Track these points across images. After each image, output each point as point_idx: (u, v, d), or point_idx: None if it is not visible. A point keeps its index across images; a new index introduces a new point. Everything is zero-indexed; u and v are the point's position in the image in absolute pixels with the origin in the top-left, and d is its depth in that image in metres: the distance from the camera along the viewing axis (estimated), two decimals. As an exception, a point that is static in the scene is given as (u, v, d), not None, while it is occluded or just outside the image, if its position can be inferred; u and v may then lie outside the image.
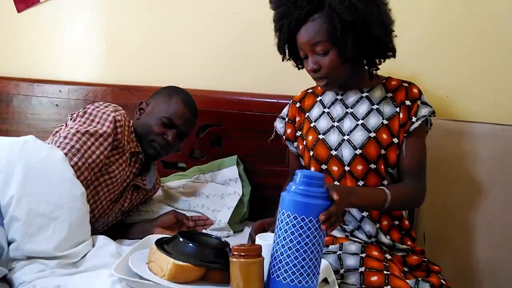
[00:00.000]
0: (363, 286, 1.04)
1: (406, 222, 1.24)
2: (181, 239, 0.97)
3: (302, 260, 0.89)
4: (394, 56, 1.21)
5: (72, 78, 1.98)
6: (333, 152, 1.21)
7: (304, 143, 1.28)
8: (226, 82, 1.76)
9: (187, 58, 1.86)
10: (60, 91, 1.93)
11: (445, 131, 1.46)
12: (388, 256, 1.15)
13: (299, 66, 1.28)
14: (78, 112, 1.28)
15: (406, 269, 1.16)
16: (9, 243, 1.00)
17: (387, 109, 1.21)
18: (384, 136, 1.18)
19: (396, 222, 1.21)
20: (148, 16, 1.90)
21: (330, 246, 1.18)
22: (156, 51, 1.90)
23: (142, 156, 1.38)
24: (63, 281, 0.95)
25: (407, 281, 1.08)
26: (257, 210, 1.63)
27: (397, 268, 1.12)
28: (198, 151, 1.79)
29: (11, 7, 2.06)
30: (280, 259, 0.90)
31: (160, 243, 0.99)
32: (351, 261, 1.10)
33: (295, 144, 1.34)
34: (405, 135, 1.19)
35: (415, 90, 1.21)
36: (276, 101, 1.62)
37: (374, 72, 1.25)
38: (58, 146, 1.16)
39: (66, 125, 1.27)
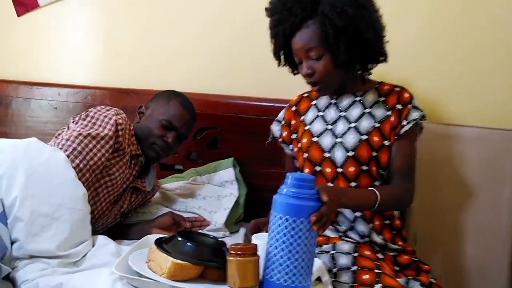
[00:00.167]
0: (355, 284, 1.07)
1: (397, 222, 1.27)
2: (179, 239, 1.00)
3: (295, 261, 0.91)
4: (385, 60, 1.25)
5: (71, 81, 2.00)
6: (326, 154, 1.24)
7: (299, 145, 1.32)
8: (223, 86, 1.79)
9: (185, 62, 1.88)
10: (59, 94, 1.95)
11: (435, 135, 1.49)
12: (380, 256, 1.18)
13: (295, 72, 1.32)
14: (80, 115, 1.30)
15: (397, 268, 1.19)
16: (12, 243, 1.03)
17: (379, 112, 1.24)
18: (376, 138, 1.22)
19: (387, 222, 1.24)
20: (146, 20, 1.93)
21: (324, 245, 1.21)
22: (154, 55, 1.92)
23: (142, 158, 1.40)
24: (65, 279, 0.97)
25: (398, 279, 1.11)
26: (253, 211, 1.64)
27: (389, 267, 1.15)
28: (195, 154, 1.81)
29: (11, 10, 2.07)
30: (273, 260, 0.92)
31: (159, 243, 1.02)
32: (344, 260, 1.13)
33: (291, 146, 1.38)
34: (395, 137, 1.22)
35: (406, 95, 1.25)
36: (272, 104, 1.64)
37: (367, 77, 1.29)
38: (61, 148, 1.18)
39: (68, 128, 1.30)
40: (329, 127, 1.27)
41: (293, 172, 1.31)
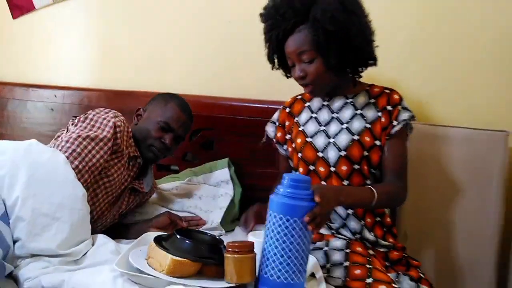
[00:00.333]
0: (347, 278, 1.10)
1: (388, 219, 1.31)
2: (178, 236, 1.03)
3: (289, 258, 0.94)
4: (375, 64, 1.29)
5: (67, 83, 2.00)
6: (320, 154, 1.28)
7: (293, 145, 1.35)
8: (218, 88, 1.81)
9: (180, 64, 1.90)
10: (55, 95, 1.95)
11: (423, 135, 1.52)
12: (371, 252, 1.22)
13: (288, 75, 1.36)
14: (79, 118, 1.32)
15: (387, 264, 1.23)
16: (14, 242, 1.04)
17: (370, 113, 1.29)
18: (367, 138, 1.26)
19: (378, 219, 1.28)
20: (142, 22, 1.94)
21: (317, 242, 1.25)
22: (149, 57, 1.93)
23: (140, 160, 1.42)
24: (67, 276, 0.99)
25: (389, 274, 1.15)
26: (248, 210, 1.70)
27: (380, 262, 1.19)
28: (190, 154, 1.83)
29: (7, 13, 2.07)
30: (269, 257, 0.96)
31: (158, 240, 1.04)
32: (336, 256, 1.17)
33: (285, 147, 1.42)
34: (387, 137, 1.26)
35: (396, 96, 1.30)
36: (266, 106, 1.67)
37: (358, 79, 1.33)
38: (60, 150, 1.20)
39: (67, 130, 1.32)
40: (322, 128, 1.31)
41: (287, 172, 1.36)
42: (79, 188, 1.17)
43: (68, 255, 1.08)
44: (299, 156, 1.32)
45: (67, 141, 1.23)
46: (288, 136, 1.40)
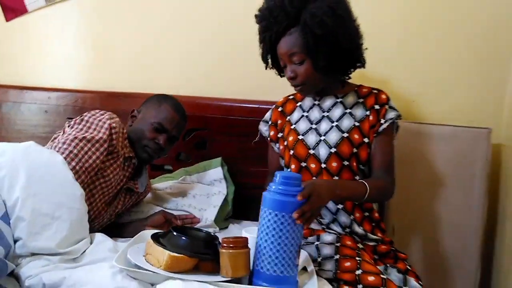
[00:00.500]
0: (338, 271, 1.15)
1: (376, 214, 1.35)
2: (175, 234, 1.06)
3: (282, 253, 0.98)
4: (363, 66, 1.34)
5: (61, 85, 2.01)
6: (311, 151, 1.32)
7: (285, 143, 1.40)
8: (211, 89, 1.84)
9: (174, 65, 1.92)
10: (49, 97, 1.95)
11: (409, 133, 1.57)
12: (361, 246, 1.27)
13: (281, 74, 1.40)
14: (76, 120, 1.34)
15: (376, 257, 1.28)
16: (15, 241, 1.07)
17: (359, 112, 1.33)
18: (356, 136, 1.31)
19: (367, 214, 1.33)
20: (135, 24, 1.95)
21: (309, 237, 1.30)
22: (143, 58, 1.95)
23: (135, 160, 1.44)
24: (67, 273, 1.02)
25: (377, 266, 1.19)
26: (241, 208, 1.71)
27: (368, 255, 1.24)
28: (184, 154, 1.85)
29: (0, 15, 2.07)
30: (262, 252, 1.00)
31: (156, 237, 1.08)
32: (327, 250, 1.21)
33: (277, 145, 1.46)
34: (374, 135, 1.31)
35: (384, 96, 1.35)
36: (257, 106, 1.71)
37: (347, 80, 1.38)
38: (57, 151, 1.23)
39: (64, 132, 1.33)
40: (314, 126, 1.35)
41: (276, 169, 1.40)
42: (77, 188, 1.19)
43: (67, 253, 1.10)
44: (291, 154, 1.36)
45: (64, 143, 1.25)
46: (280, 135, 1.44)
